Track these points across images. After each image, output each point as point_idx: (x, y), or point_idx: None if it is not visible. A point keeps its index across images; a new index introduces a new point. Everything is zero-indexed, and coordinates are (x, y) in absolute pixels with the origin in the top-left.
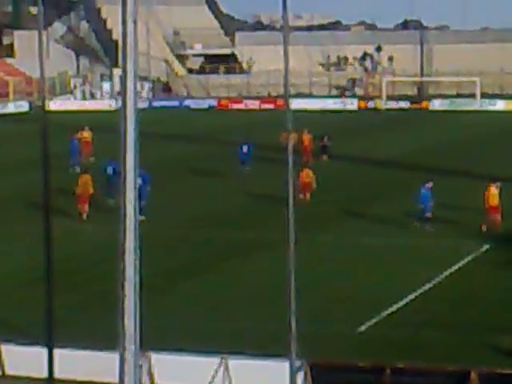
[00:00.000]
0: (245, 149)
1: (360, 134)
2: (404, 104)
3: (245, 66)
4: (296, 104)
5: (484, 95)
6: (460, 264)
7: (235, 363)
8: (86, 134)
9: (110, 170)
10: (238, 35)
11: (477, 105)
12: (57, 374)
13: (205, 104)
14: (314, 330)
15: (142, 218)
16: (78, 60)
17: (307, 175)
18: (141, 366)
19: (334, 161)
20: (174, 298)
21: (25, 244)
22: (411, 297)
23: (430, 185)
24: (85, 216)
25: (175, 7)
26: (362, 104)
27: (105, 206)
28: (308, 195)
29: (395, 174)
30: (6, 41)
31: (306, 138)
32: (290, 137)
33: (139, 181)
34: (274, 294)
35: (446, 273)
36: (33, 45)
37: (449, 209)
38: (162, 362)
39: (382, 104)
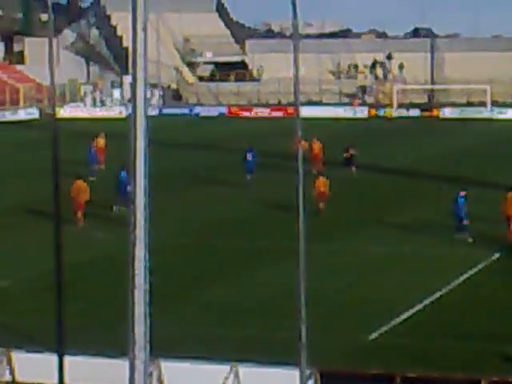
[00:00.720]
0: (249, 157)
1: (371, 142)
2: (414, 112)
3: (255, 73)
4: (306, 112)
5: (494, 103)
6: (471, 273)
7: (245, 371)
8: (102, 142)
9: (123, 177)
10: (249, 43)
11: (487, 113)
12: (67, 381)
13: (215, 111)
14: (324, 337)
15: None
16: (88, 67)
17: (323, 184)
18: (151, 374)
19: (344, 169)
20: (184, 306)
21: (35, 251)
22: (422, 305)
23: (463, 193)
24: (81, 223)
25: (186, 14)
26: (373, 112)
27: (115, 214)
28: (323, 204)
29: (406, 182)
30: (16, 48)
31: (316, 146)
32: (300, 145)
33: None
34: (284, 302)
35: (457, 281)
36: (43, 52)
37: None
38: (172, 370)
39: (393, 112)
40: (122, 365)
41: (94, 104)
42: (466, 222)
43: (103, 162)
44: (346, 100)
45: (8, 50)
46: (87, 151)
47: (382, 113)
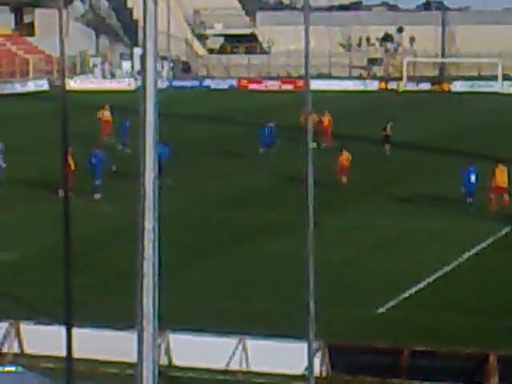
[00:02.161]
0: (268, 131)
1: (380, 115)
2: (425, 85)
3: (265, 46)
4: (316, 85)
5: (506, 77)
6: (479, 247)
7: (253, 344)
8: (107, 113)
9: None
10: (259, 15)
11: (498, 86)
12: (75, 353)
13: (225, 84)
14: (332, 311)
15: (97, 196)
16: (97, 39)
17: (347, 158)
18: (159, 346)
19: (356, 143)
20: (192, 278)
21: (44, 224)
22: (430, 279)
23: (472, 167)
24: (60, 193)
25: None
26: (383, 85)
27: (124, 186)
28: (345, 178)
29: (416, 156)
30: (26, 19)
31: (326, 119)
32: (309, 118)
33: (94, 160)
34: (292, 275)
35: (466, 255)
36: (53, 23)
37: None
38: (180, 342)
39: (403, 85)
40: (131, 337)
41: (104, 76)
42: (470, 200)
43: (111, 133)
44: (356, 73)
45: (18, 21)
46: (122, 124)
47: (392, 86)
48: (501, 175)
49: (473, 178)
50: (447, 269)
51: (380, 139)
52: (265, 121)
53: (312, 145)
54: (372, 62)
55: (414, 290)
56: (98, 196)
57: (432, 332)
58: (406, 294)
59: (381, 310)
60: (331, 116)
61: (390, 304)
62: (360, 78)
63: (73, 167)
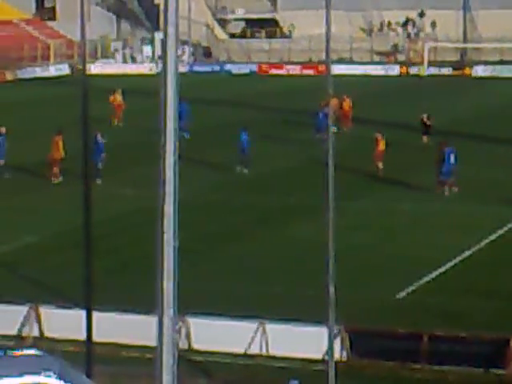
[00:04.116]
0: (321, 115)
1: (402, 100)
2: (446, 70)
3: (286, 30)
4: (337, 70)
5: None
6: (501, 231)
7: (273, 328)
8: (119, 98)
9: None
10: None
11: None
12: (95, 337)
13: (246, 69)
14: (352, 296)
15: (98, 181)
16: (119, 23)
17: (383, 144)
18: (179, 330)
19: (373, 127)
20: (212, 263)
21: (64, 207)
22: (450, 264)
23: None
24: (53, 179)
25: None
26: (404, 70)
27: (143, 171)
28: (381, 164)
29: (437, 141)
30: (47, 4)
31: (346, 103)
32: (330, 102)
33: (94, 145)
34: (312, 259)
35: (486, 240)
36: (74, 8)
37: (491, 176)
38: (200, 326)
39: (425, 70)
40: (151, 321)
41: (125, 60)
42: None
43: (121, 118)
44: (378, 58)
45: (39, 5)
46: (180, 107)
47: (414, 71)
48: None
49: (452, 158)
50: (468, 253)
51: (414, 126)
52: (318, 106)
53: (332, 129)
54: (394, 47)
55: (434, 274)
56: (99, 181)
57: (452, 317)
58: (427, 279)
59: (400, 295)
60: (351, 100)
61: (410, 289)
62: (381, 62)
63: (61, 155)
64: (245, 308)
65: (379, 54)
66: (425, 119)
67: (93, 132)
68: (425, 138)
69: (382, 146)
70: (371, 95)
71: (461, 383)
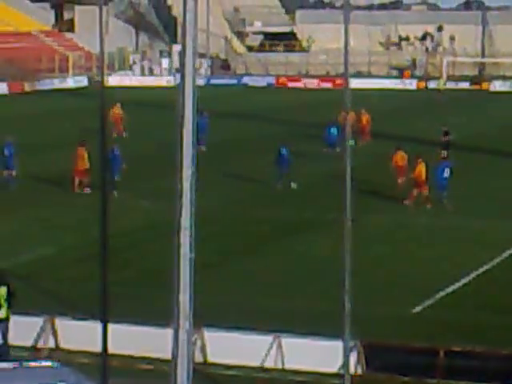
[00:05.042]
0: (333, 130)
1: (420, 114)
2: (464, 85)
3: (304, 44)
4: (354, 84)
5: None
6: None
7: (288, 342)
8: (118, 111)
9: (6, 151)
10: (299, 13)
11: None
12: (110, 349)
13: (263, 82)
14: (368, 310)
15: (115, 193)
16: (137, 36)
17: (402, 158)
18: (194, 343)
19: (391, 141)
20: (227, 276)
21: (80, 219)
22: (467, 279)
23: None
24: (78, 189)
25: None
26: (421, 84)
27: (159, 183)
28: (403, 178)
29: (456, 155)
30: (66, 16)
31: (365, 118)
32: (348, 116)
33: (111, 156)
34: (328, 273)
35: (504, 255)
36: (93, 20)
37: (508, 190)
38: (215, 339)
39: (444, 83)
40: (166, 333)
41: (143, 73)
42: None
43: (122, 131)
44: (395, 72)
45: (58, 17)
46: (199, 121)
47: (431, 85)
48: None
49: (446, 172)
50: (485, 268)
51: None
52: (329, 120)
53: (349, 143)
54: (412, 61)
55: (450, 289)
56: (115, 193)
57: (469, 332)
58: (443, 294)
59: (417, 310)
60: (369, 114)
61: (427, 303)
62: (399, 76)
63: (86, 166)
64: (261, 321)
65: (397, 68)
66: (444, 134)
67: (110, 144)
68: (444, 153)
69: (400, 160)
70: (389, 109)
71: None
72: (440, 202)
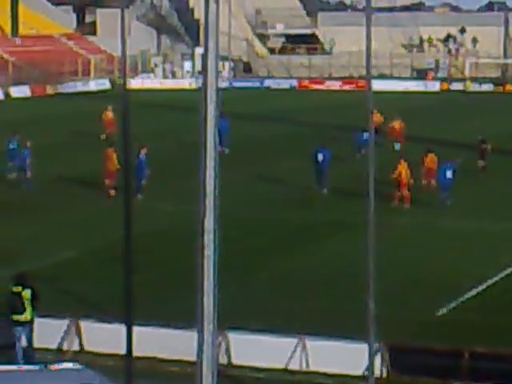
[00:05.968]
0: (365, 135)
1: (443, 116)
2: (487, 86)
3: (326, 46)
4: (376, 85)
5: None
6: None
7: (313, 344)
8: (110, 115)
9: (12, 145)
10: (320, 15)
11: None
12: (135, 352)
13: (286, 84)
14: (393, 311)
15: (139, 196)
16: (159, 38)
17: (432, 160)
18: (218, 346)
19: (415, 143)
20: (251, 278)
21: (104, 221)
22: (491, 281)
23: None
24: (112, 192)
25: None
26: (445, 86)
27: (183, 185)
28: (433, 181)
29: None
30: (88, 19)
31: (397, 123)
32: (372, 118)
33: (137, 160)
34: (352, 275)
35: None
36: (115, 23)
37: None
38: (240, 342)
39: (470, 85)
40: (190, 336)
41: (165, 75)
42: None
43: (112, 133)
44: (418, 74)
45: (80, 21)
46: (221, 123)
47: (454, 87)
48: None
49: (449, 173)
50: (509, 271)
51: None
52: (359, 126)
53: (395, 147)
54: (435, 63)
55: (475, 291)
56: (139, 196)
57: (493, 334)
58: (467, 296)
59: (441, 312)
60: (402, 120)
61: (451, 305)
62: (422, 78)
63: (115, 167)
64: (284, 324)
65: (419, 70)
66: (484, 144)
67: (137, 148)
68: (480, 162)
69: (431, 162)
70: (412, 111)
71: None
72: (443, 203)
